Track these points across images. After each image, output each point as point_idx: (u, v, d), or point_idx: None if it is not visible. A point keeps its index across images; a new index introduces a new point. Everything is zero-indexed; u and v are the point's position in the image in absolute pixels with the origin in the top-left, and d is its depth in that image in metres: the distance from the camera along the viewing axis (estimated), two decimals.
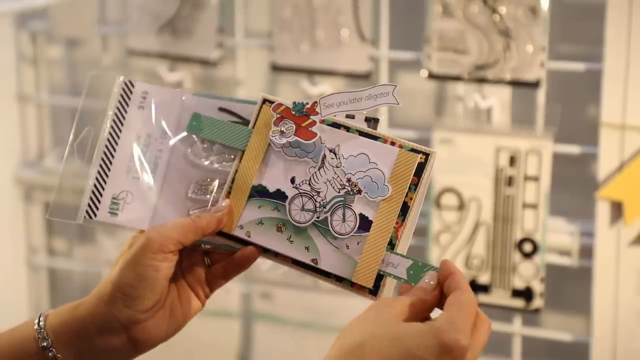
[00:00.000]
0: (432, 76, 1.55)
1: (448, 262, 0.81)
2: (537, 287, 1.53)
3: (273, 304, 1.69)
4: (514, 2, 1.48)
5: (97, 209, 0.92)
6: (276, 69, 1.64)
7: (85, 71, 1.92)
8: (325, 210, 0.86)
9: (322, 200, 0.86)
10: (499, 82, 1.51)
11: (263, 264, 1.70)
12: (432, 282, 0.81)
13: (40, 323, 0.87)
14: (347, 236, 0.85)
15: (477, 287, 1.56)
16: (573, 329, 1.60)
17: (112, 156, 0.92)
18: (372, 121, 0.89)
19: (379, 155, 0.86)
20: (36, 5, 1.79)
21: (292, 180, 0.88)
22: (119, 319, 0.85)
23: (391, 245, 0.85)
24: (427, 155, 0.85)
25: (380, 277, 0.85)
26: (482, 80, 1.52)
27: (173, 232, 0.85)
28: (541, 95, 1.52)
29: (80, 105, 0.93)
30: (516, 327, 1.59)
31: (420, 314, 0.80)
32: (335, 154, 0.87)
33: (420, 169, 0.85)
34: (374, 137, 0.87)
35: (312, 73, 1.62)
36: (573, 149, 1.53)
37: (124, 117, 0.93)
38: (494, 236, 1.55)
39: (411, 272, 0.84)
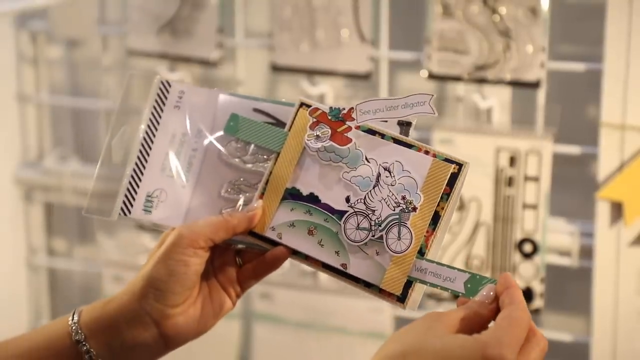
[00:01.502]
0: (432, 76, 1.55)
1: (507, 276, 0.80)
2: (537, 287, 1.54)
3: (273, 304, 1.69)
4: (514, 3, 1.48)
5: (132, 206, 0.93)
6: (276, 69, 1.64)
7: (85, 71, 1.93)
8: (380, 228, 0.86)
9: (377, 218, 0.86)
10: (499, 82, 1.51)
11: None
12: (490, 294, 0.80)
13: (74, 318, 0.88)
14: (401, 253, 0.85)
15: None
16: (573, 330, 1.61)
17: (148, 155, 0.94)
18: (405, 125, 0.89)
19: (413, 164, 0.86)
20: (36, 5, 1.80)
21: (347, 199, 0.87)
22: (150, 314, 0.87)
23: (421, 254, 0.85)
24: (460, 165, 0.85)
25: (409, 285, 0.85)
26: (482, 81, 1.52)
27: (204, 228, 0.86)
28: (541, 95, 1.53)
29: (118, 105, 0.95)
30: None
31: (473, 327, 0.78)
32: (389, 172, 0.87)
33: (453, 179, 0.85)
34: (409, 145, 0.87)
35: (312, 73, 1.63)
36: (573, 149, 1.53)
37: (160, 117, 0.95)
38: (494, 236, 1.55)
39: (469, 285, 0.83)
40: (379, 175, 0.87)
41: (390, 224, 0.86)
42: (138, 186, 0.93)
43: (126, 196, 0.93)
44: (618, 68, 1.43)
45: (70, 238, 1.99)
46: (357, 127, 0.89)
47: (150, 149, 0.94)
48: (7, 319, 1.02)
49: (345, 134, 0.88)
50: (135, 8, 1.71)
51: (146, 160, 0.94)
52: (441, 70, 1.54)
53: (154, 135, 0.94)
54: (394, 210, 0.86)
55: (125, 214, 0.93)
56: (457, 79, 1.54)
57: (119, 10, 1.79)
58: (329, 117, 0.90)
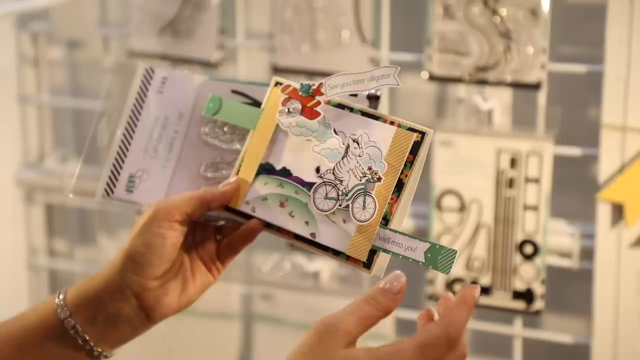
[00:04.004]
0: (433, 78, 1.55)
1: (449, 299, 0.83)
2: (538, 289, 1.54)
3: (273, 306, 1.70)
4: (514, 4, 1.49)
5: (115, 186, 0.97)
6: (277, 70, 1.65)
7: (86, 72, 1.93)
8: (347, 198, 0.88)
9: (345, 188, 0.88)
10: (499, 83, 1.52)
11: (263, 265, 1.71)
12: (395, 285, 0.82)
13: (60, 296, 0.91)
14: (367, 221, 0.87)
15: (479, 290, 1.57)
16: (574, 331, 1.61)
17: (132, 137, 0.98)
18: (374, 99, 0.92)
19: (379, 134, 0.89)
20: (37, 7, 1.80)
21: (317, 171, 0.90)
22: (130, 286, 0.89)
23: (385, 221, 0.86)
24: (423, 134, 0.87)
25: (374, 252, 0.87)
26: (482, 82, 1.53)
27: (179, 202, 0.89)
28: (542, 97, 1.53)
29: (104, 93, 1.00)
30: (517, 329, 1.60)
31: (368, 328, 0.81)
32: (358, 144, 0.89)
33: (417, 147, 0.87)
34: (376, 117, 0.90)
35: (312, 74, 1.63)
36: (574, 151, 1.54)
37: (143, 102, 0.99)
38: (495, 238, 1.55)
39: (429, 255, 0.85)
40: (347, 146, 0.89)
41: (356, 193, 0.88)
42: (121, 167, 0.97)
43: (110, 177, 0.97)
44: (619, 70, 1.44)
45: (71, 239, 2.00)
46: (328, 102, 0.91)
47: (134, 132, 0.98)
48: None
49: (315, 109, 0.91)
50: (137, 9, 1.72)
51: (129, 143, 0.98)
52: (442, 72, 1.54)
53: (138, 120, 0.98)
54: (360, 180, 0.88)
55: (108, 194, 0.97)
56: (458, 80, 1.54)
57: (120, 11, 1.80)
58: (300, 93, 0.92)
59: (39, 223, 1.95)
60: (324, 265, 1.68)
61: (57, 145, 1.93)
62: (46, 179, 1.89)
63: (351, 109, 0.90)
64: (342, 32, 1.60)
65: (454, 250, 0.84)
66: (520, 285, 1.55)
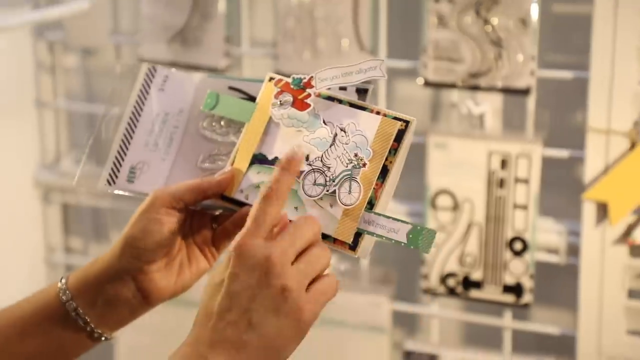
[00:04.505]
0: (428, 84, 1.55)
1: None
2: (527, 283, 1.54)
3: None
4: (505, 14, 1.49)
5: (117, 177, 0.96)
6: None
7: (99, 79, 1.92)
8: (334, 183, 0.87)
9: (332, 174, 0.87)
10: (491, 89, 1.52)
11: None
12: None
13: (62, 280, 0.91)
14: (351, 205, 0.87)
15: (470, 284, 1.57)
16: (560, 323, 1.60)
17: (133, 132, 0.96)
18: (363, 92, 0.91)
19: (365, 123, 0.88)
20: (53, 16, 1.78)
21: (307, 158, 0.89)
22: (128, 270, 0.89)
23: (370, 205, 0.86)
24: (407, 122, 0.86)
25: (359, 235, 0.86)
26: (475, 88, 1.53)
27: (177, 190, 0.88)
28: (531, 101, 1.53)
29: (109, 92, 0.98)
30: (507, 321, 1.60)
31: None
32: (345, 132, 0.88)
33: (401, 135, 0.86)
34: (363, 108, 0.89)
35: None
36: (561, 153, 1.53)
37: (145, 98, 0.98)
38: (486, 235, 1.55)
39: (411, 236, 0.84)
40: (335, 135, 0.88)
41: (343, 179, 0.87)
42: (123, 160, 0.96)
43: (112, 169, 0.96)
44: (603, 76, 1.43)
45: (86, 236, 1.99)
46: (318, 95, 0.90)
47: (136, 127, 0.97)
48: None
49: (305, 101, 0.90)
50: (147, 19, 1.71)
51: (131, 137, 0.96)
52: (436, 78, 1.54)
53: (140, 115, 0.97)
54: (347, 166, 0.87)
55: (110, 184, 0.96)
56: (451, 86, 1.54)
57: (132, 20, 1.79)
58: (292, 86, 0.91)
59: (55, 222, 1.95)
60: None
61: (73, 148, 1.93)
62: (62, 180, 1.88)
63: (340, 101, 0.90)
64: (341, 40, 1.60)
65: (433, 230, 0.84)
66: (510, 280, 1.55)
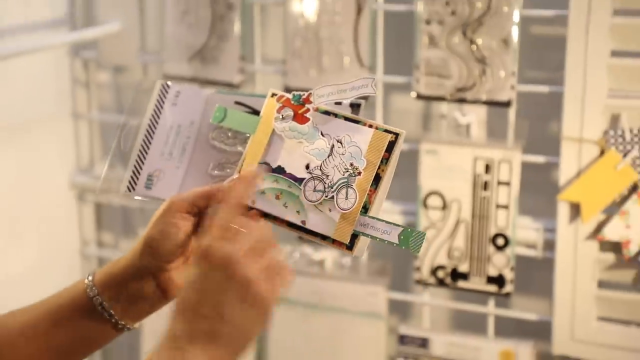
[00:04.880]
0: (420, 97, 1.55)
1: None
2: (508, 274, 1.54)
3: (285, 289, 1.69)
4: (488, 34, 1.48)
5: (136, 184, 0.96)
6: (288, 91, 1.63)
7: (129, 93, 1.92)
8: (332, 190, 0.87)
9: (330, 182, 0.87)
10: (476, 102, 1.51)
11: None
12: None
13: (89, 277, 0.91)
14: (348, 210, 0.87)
15: (458, 275, 1.57)
16: (538, 310, 1.60)
17: (150, 143, 0.96)
18: (356, 107, 0.91)
19: (359, 136, 0.88)
20: (87, 38, 1.80)
21: (307, 167, 0.89)
22: (148, 268, 0.88)
23: (365, 209, 0.86)
24: (397, 135, 0.87)
25: (355, 236, 0.86)
26: (462, 101, 1.52)
27: (190, 196, 0.88)
28: (512, 113, 1.53)
29: (128, 106, 0.98)
30: (490, 308, 1.60)
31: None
32: (341, 144, 0.88)
33: (391, 146, 0.86)
34: (357, 122, 0.89)
35: None
36: (538, 159, 1.53)
37: (160, 112, 0.97)
38: (472, 232, 1.55)
39: (402, 237, 0.84)
40: (332, 146, 0.88)
41: (340, 186, 0.87)
42: (141, 168, 0.96)
43: (131, 176, 0.96)
44: (576, 90, 1.43)
45: (116, 232, 1.99)
46: (316, 109, 0.90)
47: (152, 138, 0.97)
48: None
49: (305, 115, 0.90)
50: (171, 39, 1.72)
51: (148, 148, 0.96)
52: (428, 92, 1.54)
53: (155, 128, 0.97)
54: (344, 175, 0.87)
55: (130, 190, 0.96)
56: (441, 99, 1.54)
57: (157, 41, 1.79)
58: (292, 102, 0.91)
59: (89, 219, 1.95)
60: (328, 255, 1.68)
61: (105, 154, 1.93)
62: (95, 182, 1.88)
63: (336, 115, 0.89)
64: (343, 58, 1.60)
65: (423, 232, 0.84)
66: (493, 272, 1.55)
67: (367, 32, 1.57)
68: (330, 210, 0.87)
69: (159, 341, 0.79)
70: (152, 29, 1.80)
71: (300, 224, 0.88)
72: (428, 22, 1.51)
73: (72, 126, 1.90)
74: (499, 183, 1.52)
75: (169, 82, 0.99)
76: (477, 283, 1.56)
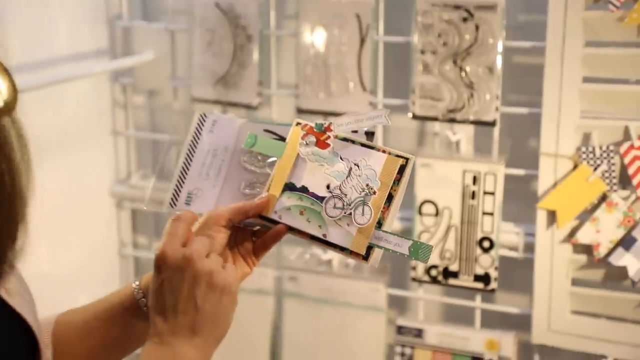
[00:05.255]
0: (415, 117, 1.55)
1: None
2: (493, 273, 1.54)
3: (298, 285, 1.69)
4: (475, 63, 1.48)
5: (177, 200, 0.96)
6: (300, 111, 1.64)
7: (161, 113, 1.92)
8: (350, 207, 0.87)
9: (349, 200, 0.87)
10: (464, 121, 1.51)
11: (291, 255, 1.71)
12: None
13: (136, 282, 0.91)
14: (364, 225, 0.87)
15: (449, 274, 1.56)
16: (519, 304, 1.60)
17: (190, 165, 0.96)
18: (370, 134, 0.91)
19: (374, 160, 0.88)
20: (125, 65, 1.80)
21: (328, 187, 0.88)
22: None
23: (379, 224, 0.86)
24: (407, 159, 0.87)
25: (370, 248, 0.86)
26: (452, 120, 1.52)
27: (225, 211, 0.88)
28: (496, 131, 1.53)
29: (170, 133, 0.97)
30: (477, 302, 1.60)
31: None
32: (358, 167, 0.88)
33: (402, 168, 0.87)
34: (371, 147, 0.89)
35: (327, 114, 1.62)
36: (519, 172, 1.53)
37: (198, 139, 0.97)
38: (461, 236, 1.55)
39: (412, 249, 0.84)
40: (350, 169, 0.88)
41: (357, 203, 0.87)
42: (182, 186, 0.96)
43: (173, 194, 0.96)
44: (552, 112, 1.43)
45: (150, 235, 1.99)
46: (336, 137, 0.90)
47: (192, 161, 0.97)
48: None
49: (326, 141, 0.90)
50: (197, 67, 1.72)
51: (188, 169, 0.96)
52: (422, 113, 1.54)
53: (194, 152, 0.97)
54: (360, 194, 0.87)
55: (172, 206, 0.96)
56: (434, 119, 1.53)
57: (186, 68, 1.79)
58: (315, 130, 0.91)
59: (126, 224, 1.95)
60: (335, 256, 1.67)
61: (140, 167, 1.93)
62: (132, 191, 1.89)
63: (353, 141, 0.89)
64: (349, 83, 1.60)
65: (430, 245, 0.84)
66: (479, 271, 1.54)
67: (369, 61, 1.58)
68: (348, 225, 0.87)
69: (146, 343, 0.79)
70: (181, 58, 1.80)
71: (322, 237, 0.88)
72: (422, 52, 1.51)
73: (112, 142, 1.90)
74: (485, 193, 1.52)
75: (206, 112, 0.98)
76: (465, 281, 1.56)
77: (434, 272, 1.58)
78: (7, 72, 0.64)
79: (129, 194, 1.89)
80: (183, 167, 0.97)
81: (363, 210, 0.86)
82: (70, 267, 1.78)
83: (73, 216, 1.78)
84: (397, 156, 0.87)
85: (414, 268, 1.59)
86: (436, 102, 1.52)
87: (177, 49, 1.80)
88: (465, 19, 1.47)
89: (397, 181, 0.86)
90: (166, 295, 0.79)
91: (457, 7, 1.47)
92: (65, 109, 1.73)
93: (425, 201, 1.56)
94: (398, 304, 1.76)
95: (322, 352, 1.69)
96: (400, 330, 1.61)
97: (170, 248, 0.80)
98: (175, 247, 0.80)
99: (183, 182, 0.96)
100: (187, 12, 1.74)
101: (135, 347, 0.92)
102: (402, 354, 1.61)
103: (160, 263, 0.80)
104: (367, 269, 1.67)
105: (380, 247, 0.85)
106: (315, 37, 1.60)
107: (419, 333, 1.60)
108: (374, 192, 0.87)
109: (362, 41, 1.57)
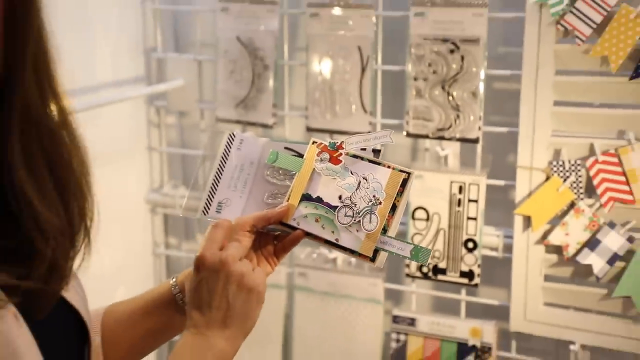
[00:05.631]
0: (409, 135, 1.54)
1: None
2: (476, 270, 1.54)
3: (307, 280, 1.68)
4: (461, 88, 1.48)
5: (209, 209, 0.95)
6: (310, 130, 1.63)
7: (189, 132, 1.92)
8: (359, 215, 0.86)
9: (358, 209, 0.86)
10: (451, 139, 1.51)
11: (301, 254, 1.72)
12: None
13: (173, 279, 0.91)
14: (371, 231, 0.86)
15: (438, 270, 1.56)
16: (499, 298, 1.59)
17: (220, 178, 0.96)
18: (377, 151, 0.91)
19: (380, 174, 0.87)
20: (159, 90, 1.80)
21: (340, 198, 0.88)
22: None
23: (384, 230, 0.86)
24: (409, 174, 0.87)
25: (377, 251, 0.86)
26: (441, 138, 1.52)
27: (250, 218, 0.87)
28: (479, 148, 1.52)
29: (204, 150, 0.97)
30: (463, 295, 1.59)
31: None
32: (366, 180, 0.87)
33: (405, 182, 0.87)
34: (378, 163, 0.89)
35: (332, 133, 1.62)
36: (499, 182, 1.53)
37: (227, 156, 0.97)
38: (449, 238, 1.55)
39: (413, 252, 0.84)
40: (359, 182, 0.88)
41: (365, 212, 0.86)
42: (213, 197, 0.95)
43: (206, 203, 0.95)
44: (528, 131, 1.43)
45: (180, 237, 1.99)
46: (347, 154, 0.90)
47: (222, 174, 0.96)
48: (140, 291, 1.04)
49: (338, 158, 0.90)
50: (221, 92, 1.71)
51: (219, 182, 0.96)
52: (415, 131, 1.54)
53: (224, 167, 0.97)
54: (368, 204, 0.87)
55: (204, 214, 0.95)
56: (425, 136, 1.53)
57: (211, 93, 1.79)
58: (329, 148, 0.91)
59: (159, 226, 1.94)
60: (339, 255, 1.66)
61: (171, 178, 1.93)
62: (164, 199, 1.88)
63: (362, 158, 0.89)
64: (351, 106, 1.60)
65: (429, 249, 0.84)
66: (465, 268, 1.54)
67: (369, 87, 1.58)
68: (357, 231, 0.86)
69: (183, 333, 0.79)
70: (207, 84, 1.80)
71: (334, 241, 0.87)
72: (415, 79, 1.52)
73: (147, 157, 1.90)
74: (469, 201, 1.52)
75: (235, 132, 0.98)
76: (452, 277, 1.56)
77: (425, 269, 1.58)
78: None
79: (162, 201, 1.89)
80: (214, 180, 0.96)
81: (370, 218, 0.86)
82: (111, 264, 1.78)
83: (113, 220, 1.78)
84: (401, 171, 0.87)
85: (408, 265, 1.59)
86: (427, 122, 1.53)
87: (204, 76, 1.80)
88: (452, 51, 1.48)
89: (400, 193, 0.86)
90: (203, 293, 0.79)
91: (445, 41, 1.48)
92: (108, 128, 1.74)
93: (418, 207, 1.56)
94: (394, 297, 1.76)
95: (328, 338, 1.68)
96: (396, 319, 1.61)
97: (209, 252, 0.80)
98: (213, 251, 0.80)
99: (214, 193, 0.95)
100: (213, 45, 1.74)
101: (170, 337, 0.92)
102: (398, 340, 1.61)
103: (199, 264, 0.80)
104: (367, 266, 1.67)
105: (386, 251, 0.85)
106: (323, 67, 1.61)
107: (412, 322, 1.60)
108: (380, 203, 0.86)
109: (363, 70, 1.58)
